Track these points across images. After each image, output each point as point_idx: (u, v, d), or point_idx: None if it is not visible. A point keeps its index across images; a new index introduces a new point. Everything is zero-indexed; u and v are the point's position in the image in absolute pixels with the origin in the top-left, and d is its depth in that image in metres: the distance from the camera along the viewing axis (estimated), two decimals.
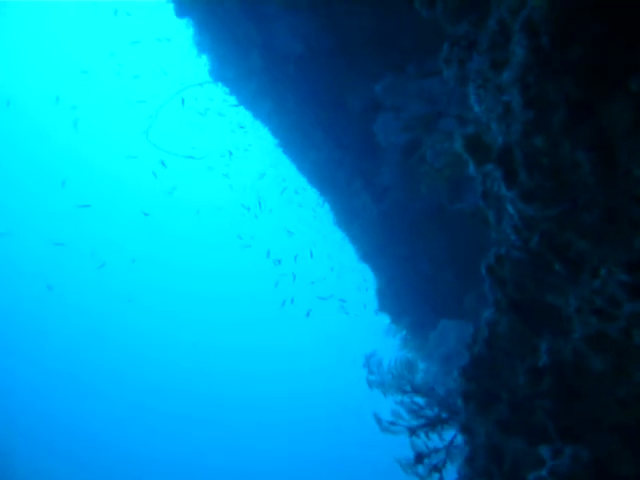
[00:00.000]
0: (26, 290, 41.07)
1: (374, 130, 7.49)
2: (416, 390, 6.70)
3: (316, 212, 14.15)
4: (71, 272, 41.34)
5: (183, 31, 12.64)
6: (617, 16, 3.17)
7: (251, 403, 45.65)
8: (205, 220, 36.89)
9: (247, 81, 12.37)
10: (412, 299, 11.79)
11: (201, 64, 12.90)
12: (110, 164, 39.22)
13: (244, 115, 13.08)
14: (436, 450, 6.67)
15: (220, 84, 13.40)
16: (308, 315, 22.59)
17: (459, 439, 6.46)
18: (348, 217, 12.60)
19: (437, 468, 6.66)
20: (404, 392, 6.74)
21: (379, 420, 6.84)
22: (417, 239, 10.94)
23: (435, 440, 6.76)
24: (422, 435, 6.65)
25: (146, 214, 26.88)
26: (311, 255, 20.15)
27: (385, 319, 12.96)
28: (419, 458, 6.71)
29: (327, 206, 13.35)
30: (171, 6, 12.06)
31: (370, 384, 7.11)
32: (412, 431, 6.68)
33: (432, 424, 6.59)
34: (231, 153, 19.25)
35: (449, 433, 6.78)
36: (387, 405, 6.92)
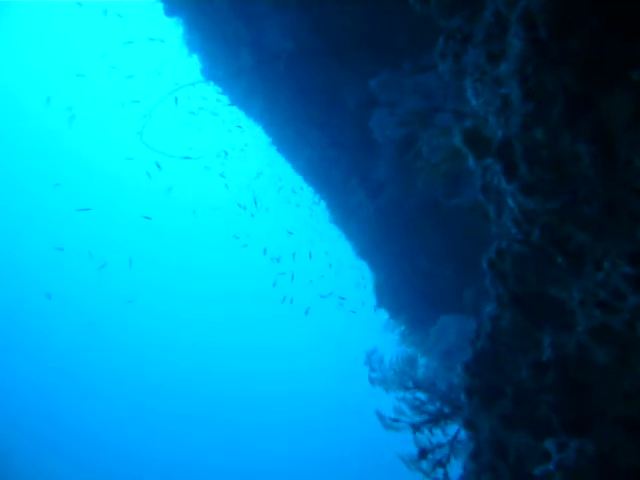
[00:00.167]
0: (25, 292, 40.95)
1: (370, 126, 7.46)
2: (418, 386, 6.69)
3: (312, 210, 14.12)
4: (70, 275, 41.23)
5: (175, 31, 12.58)
6: (615, 9, 3.15)
7: (252, 402, 45.63)
8: (202, 220, 36.82)
9: (238, 80, 12.33)
10: (410, 295, 11.79)
11: (194, 63, 12.84)
12: (106, 165, 39.08)
13: (238, 114, 13.04)
14: (440, 445, 6.65)
15: (212, 83, 13.34)
16: (307, 313, 22.56)
17: (462, 434, 6.46)
18: (344, 215, 12.58)
19: (441, 463, 6.64)
20: (406, 388, 6.72)
21: (381, 417, 6.82)
22: (414, 235, 10.93)
23: (438, 435, 6.74)
24: (425, 431, 6.64)
25: (147, 217, 26.77)
26: (310, 256, 20.11)
27: (384, 315, 12.96)
28: (423, 454, 6.69)
29: (323, 204, 13.33)
30: (161, 6, 12.02)
31: (372, 381, 7.09)
32: (415, 427, 6.66)
33: (435, 419, 6.58)
34: (226, 153, 19.19)
35: (452, 428, 6.77)
36: (389, 402, 6.90)
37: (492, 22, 4.20)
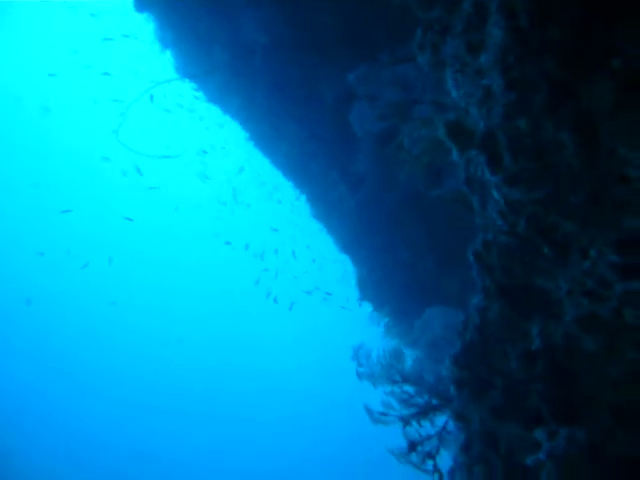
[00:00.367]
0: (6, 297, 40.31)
1: (350, 120, 7.40)
2: (406, 379, 6.68)
3: (294, 205, 14.05)
4: (51, 278, 40.67)
5: (148, 27, 12.38)
6: None
7: (239, 399, 45.53)
8: (184, 217, 36.54)
9: (212, 76, 12.20)
10: (393, 287, 11.79)
11: (169, 60, 12.66)
12: (85, 164, 38.43)
13: (215, 110, 12.89)
14: (429, 437, 6.66)
15: (187, 80, 13.18)
16: (291, 309, 22.51)
17: (451, 425, 6.47)
18: (325, 209, 12.52)
19: (431, 455, 6.65)
20: (394, 382, 6.71)
21: (370, 411, 6.81)
22: (395, 228, 10.92)
23: (427, 427, 6.75)
24: (414, 423, 6.63)
25: (129, 219, 26.42)
26: (294, 254, 20.03)
27: (369, 309, 12.97)
28: (412, 446, 6.69)
29: (304, 199, 13.26)
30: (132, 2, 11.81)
31: (359, 376, 7.06)
32: (404, 420, 6.66)
33: (423, 412, 6.58)
34: (205, 152, 19.01)
35: (440, 419, 6.78)
36: (377, 396, 6.88)
37: (471, 12, 4.16)
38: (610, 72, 3.08)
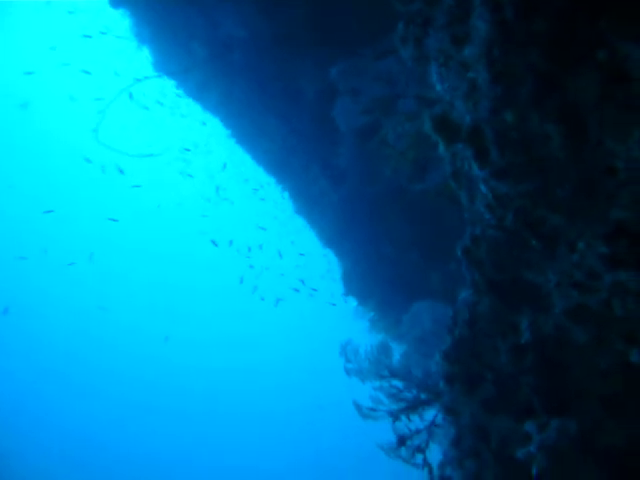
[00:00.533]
0: None
1: (333, 115, 7.35)
2: (394, 374, 6.68)
3: (278, 202, 13.97)
4: (33, 283, 40.17)
5: (124, 23, 12.18)
6: None
7: (227, 396, 45.44)
8: (167, 215, 36.23)
9: (191, 72, 12.07)
10: (377, 281, 11.81)
11: (147, 57, 12.48)
12: (65, 163, 37.81)
13: (195, 107, 12.74)
14: (418, 431, 6.67)
15: (165, 77, 13.01)
16: (276, 305, 22.45)
17: (440, 418, 6.49)
18: (308, 204, 12.48)
19: (420, 449, 6.66)
20: (382, 377, 6.71)
21: (359, 407, 6.80)
22: (378, 222, 10.92)
23: (416, 421, 6.76)
24: (403, 418, 6.64)
25: (114, 220, 26.10)
26: (280, 254, 19.95)
27: (354, 304, 12.97)
28: (401, 441, 6.70)
29: (286, 194, 13.19)
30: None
31: (348, 372, 7.04)
32: (393, 415, 6.66)
33: (412, 406, 6.59)
34: (189, 150, 18.82)
35: (429, 413, 6.79)
36: (365, 392, 6.88)
37: (453, 5, 4.13)
38: (596, 64, 3.06)
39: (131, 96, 13.64)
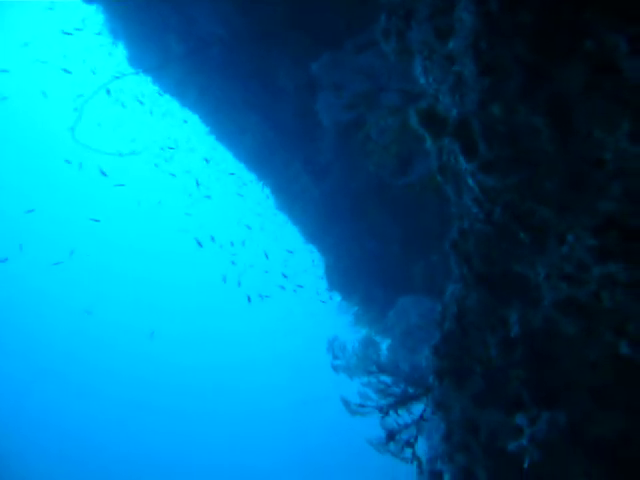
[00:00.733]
0: None
1: (315, 110, 7.27)
2: (382, 369, 6.65)
3: (261, 198, 13.89)
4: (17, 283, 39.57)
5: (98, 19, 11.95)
6: None
7: (215, 394, 45.25)
8: (149, 213, 35.85)
9: (168, 69, 11.90)
10: (361, 275, 11.81)
11: (122, 53, 12.26)
12: (45, 162, 37.16)
13: (173, 104, 12.57)
14: (407, 426, 6.67)
15: (142, 73, 12.80)
16: (262, 300, 22.34)
17: (429, 412, 6.49)
18: (290, 200, 12.42)
19: (409, 443, 6.66)
20: (370, 373, 6.68)
21: (347, 403, 6.77)
22: (360, 217, 10.90)
23: (404, 416, 6.75)
24: (392, 413, 6.63)
25: (96, 220, 25.75)
26: (266, 256, 19.84)
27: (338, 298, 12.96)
28: (390, 436, 6.69)
29: (268, 190, 13.10)
30: None
31: (335, 369, 7.01)
32: (381, 410, 6.64)
33: (401, 401, 6.57)
34: (172, 148, 18.61)
35: (417, 407, 6.79)
36: (353, 388, 6.85)
37: None
38: (583, 55, 3.04)
39: (109, 93, 13.41)
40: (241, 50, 10.42)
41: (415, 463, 6.79)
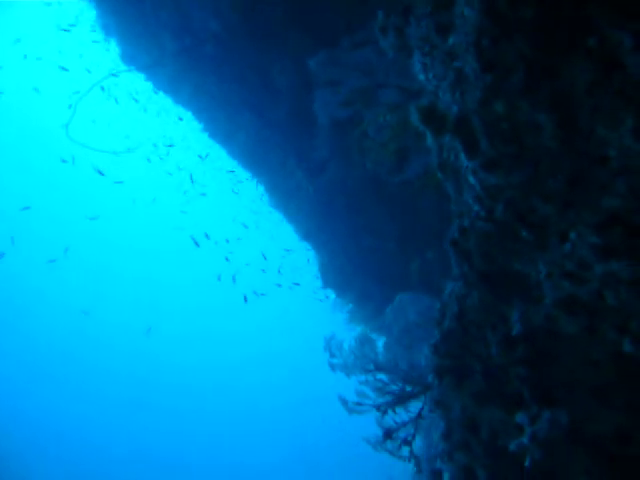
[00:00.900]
0: None
1: (313, 107, 7.22)
2: (379, 367, 6.63)
3: (256, 196, 13.83)
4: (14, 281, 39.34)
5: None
6: None
7: (211, 393, 45.19)
8: (144, 210, 35.71)
9: (161, 65, 11.81)
10: (356, 272, 11.79)
11: (115, 50, 12.15)
12: (41, 161, 36.90)
13: (166, 100, 12.47)
14: (404, 424, 6.66)
15: (135, 70, 12.70)
16: (258, 298, 22.31)
17: (426, 411, 6.48)
18: (285, 198, 12.38)
19: (407, 442, 6.65)
20: (367, 371, 6.66)
21: (345, 402, 6.75)
22: (356, 214, 10.87)
23: (402, 414, 6.74)
24: (389, 411, 6.62)
25: (92, 218, 25.62)
26: (264, 257, 19.78)
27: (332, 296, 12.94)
28: (388, 434, 6.68)
29: (262, 188, 13.05)
30: None
31: (332, 367, 6.98)
32: (379, 408, 6.63)
33: (398, 399, 6.56)
34: (170, 145, 18.50)
35: (414, 405, 6.78)
36: (351, 386, 6.83)
37: None
38: (586, 51, 3.01)
39: (103, 90, 13.31)
40: (235, 47, 10.34)
41: (413, 461, 6.79)
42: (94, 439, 41.84)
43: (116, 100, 16.53)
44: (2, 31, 23.31)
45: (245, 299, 20.21)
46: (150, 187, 31.22)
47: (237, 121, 11.72)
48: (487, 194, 3.65)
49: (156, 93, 12.38)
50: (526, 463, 4.07)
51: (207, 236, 20.94)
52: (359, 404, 6.65)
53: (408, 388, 6.60)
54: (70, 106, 13.06)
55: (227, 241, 21.61)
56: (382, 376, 6.66)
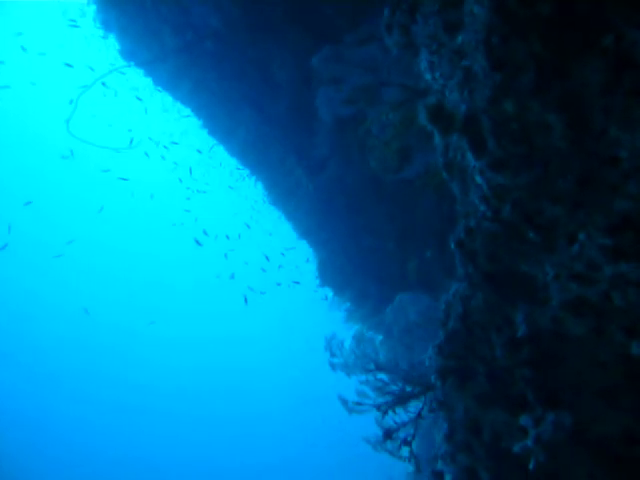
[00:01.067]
0: None
1: (313, 104, 7.17)
2: (380, 367, 6.59)
3: (257, 194, 13.77)
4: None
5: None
6: None
7: (212, 394, 45.09)
8: (143, 206, 35.61)
9: (161, 61, 11.73)
10: (355, 271, 11.75)
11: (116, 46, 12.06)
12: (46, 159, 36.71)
13: (166, 97, 12.38)
14: (404, 424, 6.62)
15: (134, 65, 12.60)
16: (246, 302, 22.24)
17: (426, 411, 6.44)
18: (284, 195, 12.32)
19: (407, 442, 6.61)
20: (368, 371, 6.62)
21: (345, 402, 6.71)
22: (356, 213, 10.84)
23: (401, 414, 6.71)
24: (389, 411, 6.57)
25: (99, 210, 25.53)
26: (267, 258, 19.72)
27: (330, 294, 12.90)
28: (388, 434, 6.64)
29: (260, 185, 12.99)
30: None
31: (333, 367, 6.94)
32: (379, 408, 6.59)
33: (399, 399, 6.52)
34: (175, 143, 18.44)
35: (414, 405, 6.74)
36: (351, 386, 6.79)
37: None
38: (601, 50, 2.97)
39: (104, 85, 13.23)
40: (236, 42, 10.28)
41: (412, 461, 6.75)
42: (94, 439, 41.76)
43: (116, 94, 16.46)
44: (5, 26, 23.21)
45: (245, 300, 20.15)
46: (149, 183, 31.14)
47: (237, 117, 11.66)
48: (494, 194, 3.61)
49: (157, 89, 12.30)
50: (530, 465, 4.04)
51: (205, 232, 20.88)
52: (359, 404, 6.61)
53: (408, 388, 6.56)
54: (71, 101, 12.98)
55: (227, 237, 21.56)
56: (382, 376, 6.62)
